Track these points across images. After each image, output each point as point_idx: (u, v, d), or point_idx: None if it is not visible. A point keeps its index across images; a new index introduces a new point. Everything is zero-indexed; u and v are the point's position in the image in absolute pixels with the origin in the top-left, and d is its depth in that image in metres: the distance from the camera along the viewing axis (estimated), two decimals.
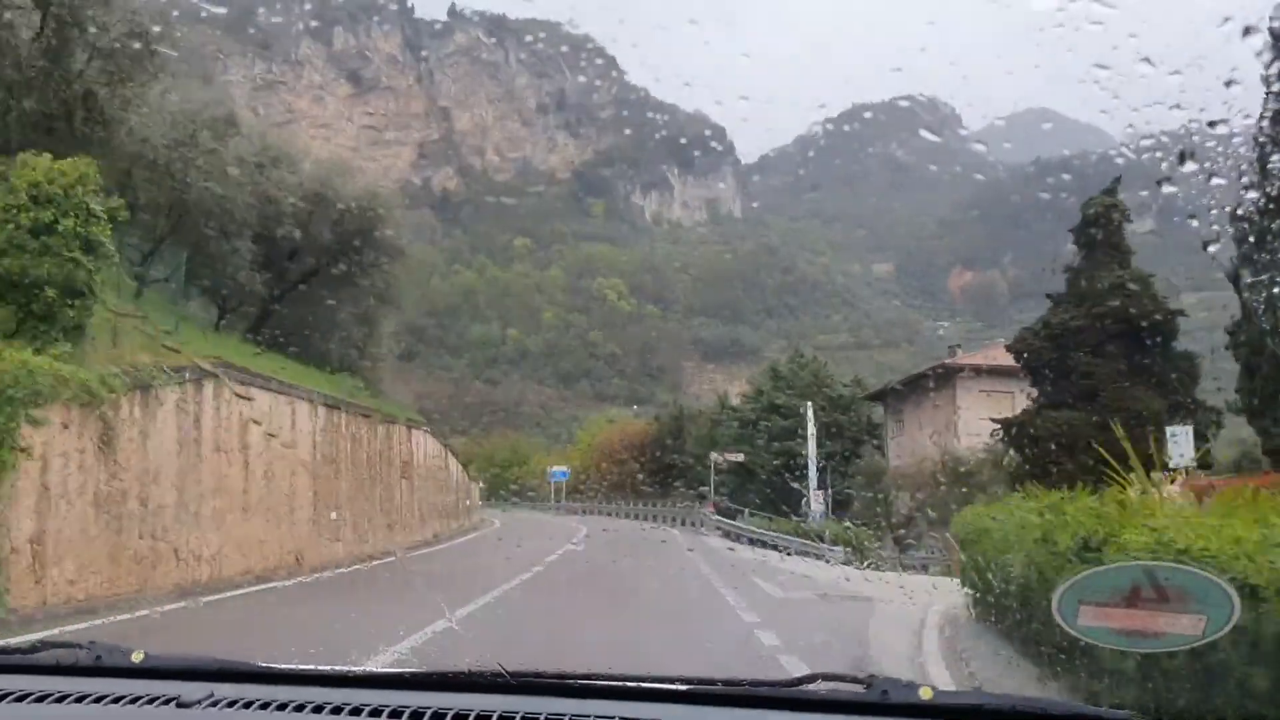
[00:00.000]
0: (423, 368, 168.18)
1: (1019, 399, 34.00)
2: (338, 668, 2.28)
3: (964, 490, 29.04)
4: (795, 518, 32.09)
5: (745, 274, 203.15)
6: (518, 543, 34.90)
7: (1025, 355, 30.07)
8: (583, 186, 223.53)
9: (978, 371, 36.83)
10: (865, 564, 26.35)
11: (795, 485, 35.62)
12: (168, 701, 2.01)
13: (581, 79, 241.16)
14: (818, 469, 34.12)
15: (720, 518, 38.36)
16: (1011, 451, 28.90)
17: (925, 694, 2.01)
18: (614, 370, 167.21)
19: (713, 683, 2.14)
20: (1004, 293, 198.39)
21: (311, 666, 2.29)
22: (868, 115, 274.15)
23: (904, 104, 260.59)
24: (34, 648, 2.42)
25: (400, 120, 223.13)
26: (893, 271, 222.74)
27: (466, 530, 42.25)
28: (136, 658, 2.30)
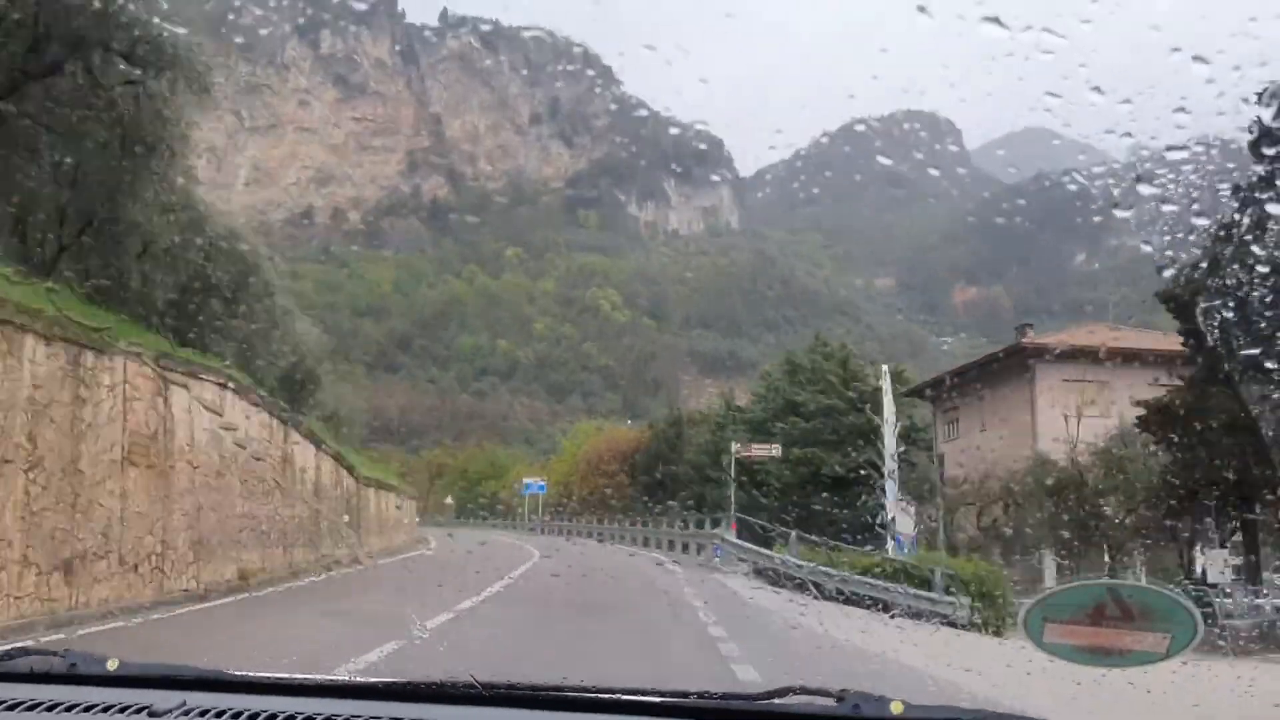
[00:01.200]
0: (408, 379, 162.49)
1: (1117, 391, 26.25)
2: (311, 677, 2.25)
3: (1070, 505, 21.14)
4: (870, 547, 21.69)
5: (743, 286, 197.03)
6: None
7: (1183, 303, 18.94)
8: (576, 196, 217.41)
9: (1059, 356, 28.56)
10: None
11: (865, 498, 27.29)
12: (140, 710, 2.00)
13: (576, 88, 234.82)
14: (892, 478, 24.27)
15: (747, 544, 26.17)
16: (1156, 450, 20.51)
17: (896, 708, 1.99)
18: (607, 383, 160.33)
19: (685, 695, 2.11)
20: (1008, 309, 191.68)
21: (285, 675, 2.26)
22: (865, 129, 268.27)
23: (902, 119, 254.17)
24: (8, 654, 2.36)
25: (389, 126, 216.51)
26: (894, 286, 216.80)
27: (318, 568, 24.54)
28: (111, 665, 2.28)
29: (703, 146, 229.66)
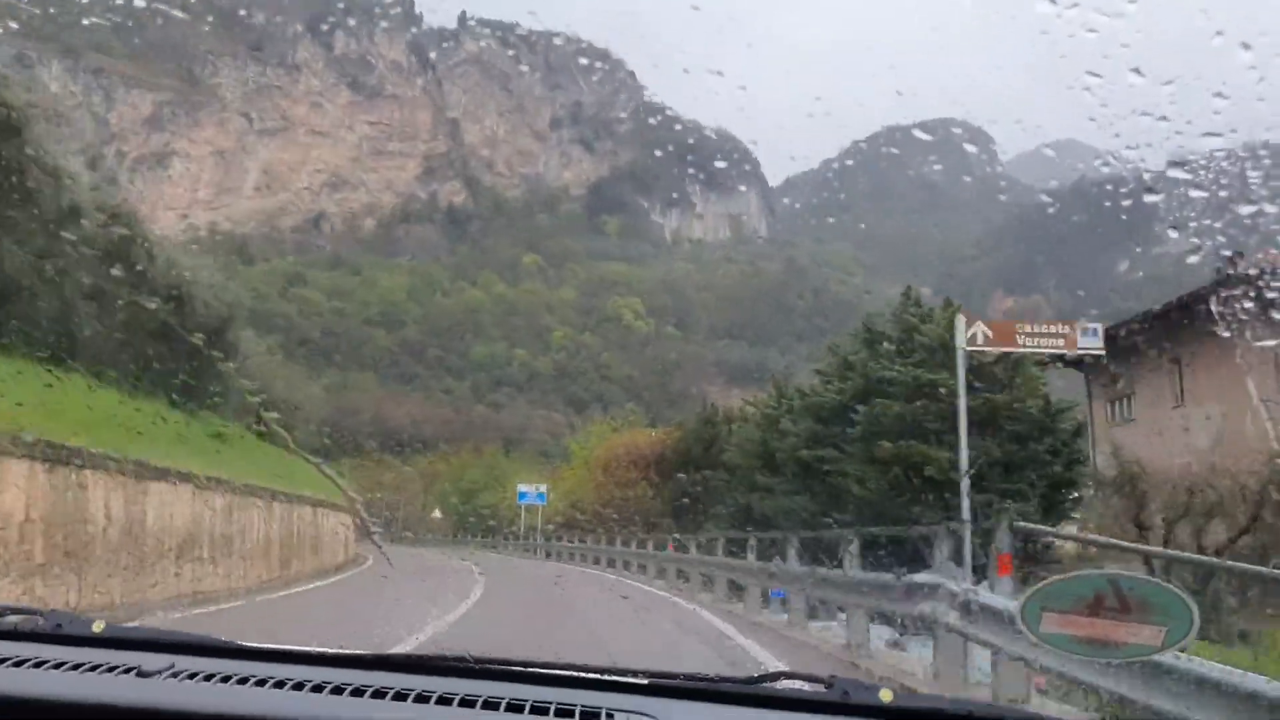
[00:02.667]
0: (421, 390, 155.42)
1: None
2: (300, 647, 2.24)
3: None
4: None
5: (772, 295, 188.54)
6: None
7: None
8: (598, 203, 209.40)
9: None
10: None
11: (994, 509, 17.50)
12: (128, 671, 1.98)
13: (598, 92, 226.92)
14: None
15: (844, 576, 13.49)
16: None
17: (885, 696, 2.03)
18: (629, 394, 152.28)
19: (674, 676, 2.14)
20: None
21: (273, 645, 2.26)
22: (896, 138, 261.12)
23: (934, 127, 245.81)
24: None
25: (405, 131, 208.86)
26: (930, 295, 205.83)
27: None
28: (97, 627, 2.28)
29: (729, 153, 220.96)
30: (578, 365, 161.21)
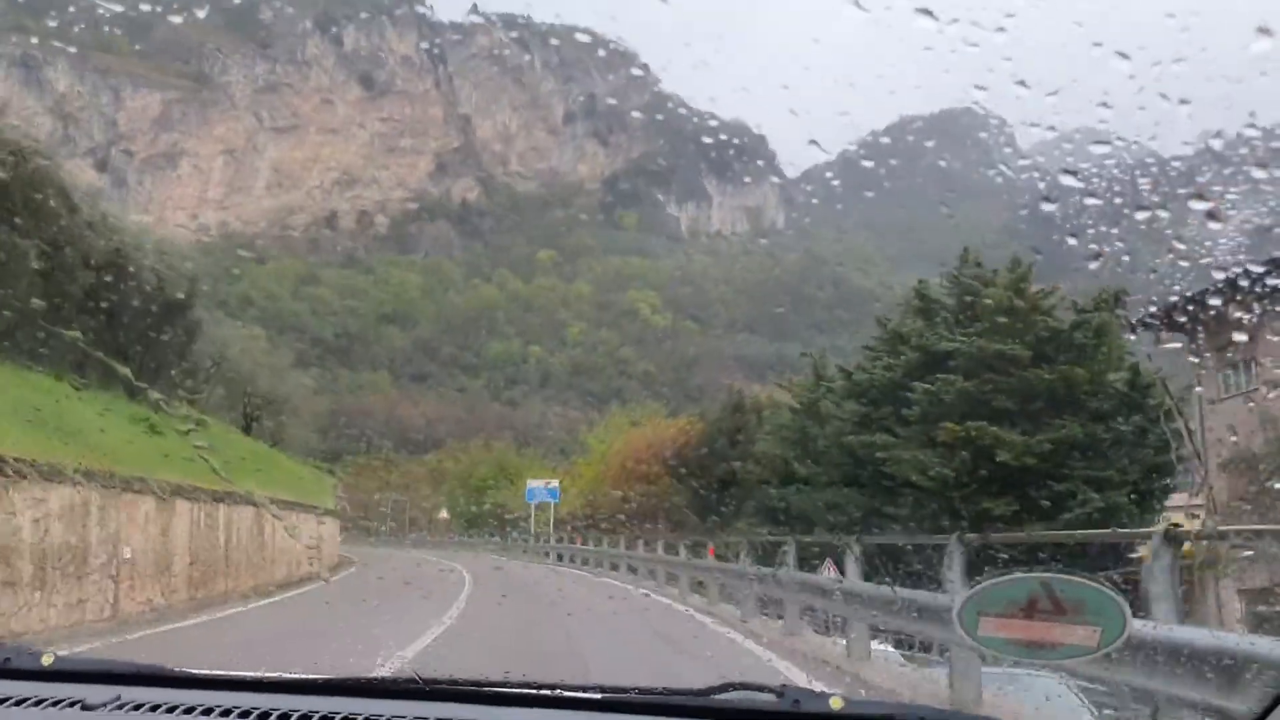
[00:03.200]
0: (435, 388, 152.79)
1: None
2: (249, 673, 2.24)
3: None
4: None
5: (792, 287, 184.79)
6: None
7: None
8: (613, 197, 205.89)
9: None
10: None
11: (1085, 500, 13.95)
12: (73, 704, 1.99)
13: (612, 86, 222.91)
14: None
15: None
16: None
17: (835, 704, 2.04)
18: (648, 389, 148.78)
19: (627, 691, 2.15)
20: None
21: (224, 672, 2.25)
22: (914, 128, 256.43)
23: (952, 115, 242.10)
24: None
25: (417, 127, 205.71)
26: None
27: None
28: (46, 660, 2.26)
29: (746, 145, 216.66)
30: (594, 361, 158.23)
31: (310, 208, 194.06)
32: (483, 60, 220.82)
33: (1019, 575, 2.38)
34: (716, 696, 2.08)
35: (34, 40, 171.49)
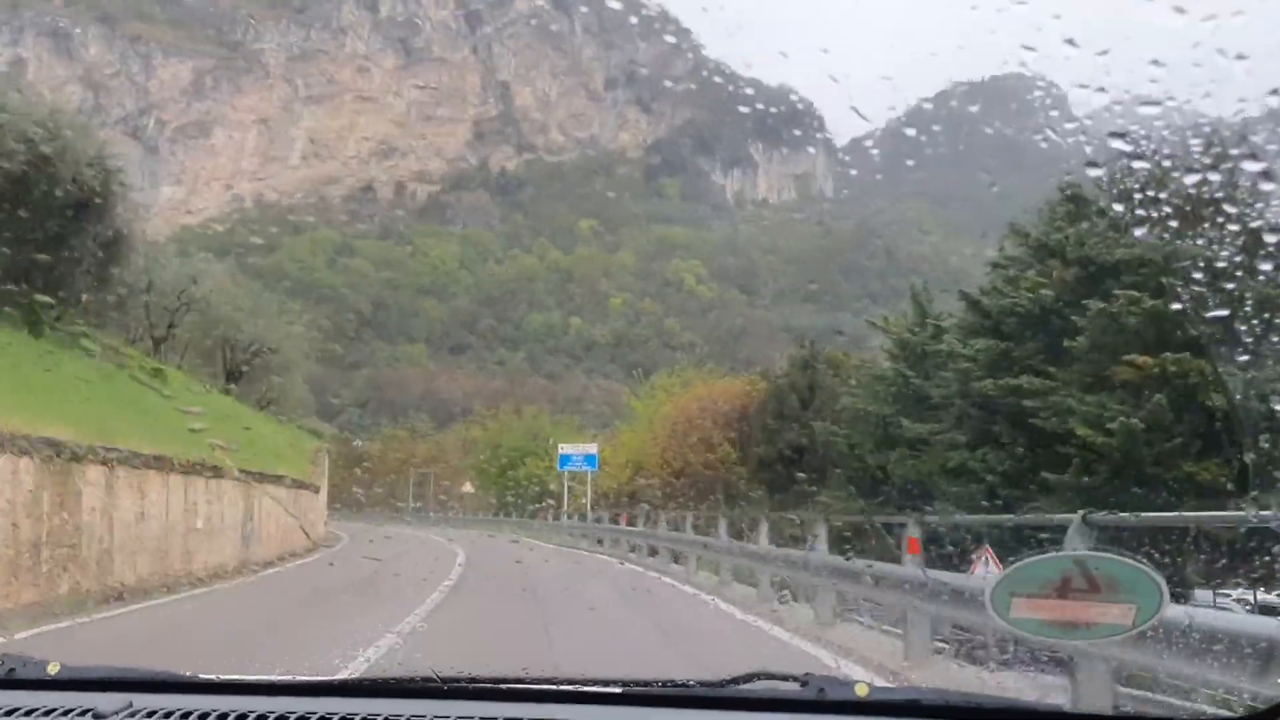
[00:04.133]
0: (474, 361, 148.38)
1: None
2: (262, 677, 2.25)
3: None
4: None
5: (843, 256, 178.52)
6: None
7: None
8: (656, 165, 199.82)
9: None
10: None
11: None
12: (84, 713, 1.96)
13: (654, 51, 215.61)
14: None
15: None
16: None
17: (861, 691, 2.02)
18: (694, 361, 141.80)
19: (649, 684, 2.14)
20: None
21: (236, 676, 2.24)
22: (965, 94, 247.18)
23: (1005, 79, 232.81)
24: None
25: (455, 95, 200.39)
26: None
27: None
28: (52, 669, 2.22)
29: (793, 111, 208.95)
30: (638, 332, 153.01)
31: (346, 178, 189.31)
32: (521, 26, 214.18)
33: (1053, 554, 2.31)
34: (741, 686, 2.05)
35: (64, 7, 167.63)
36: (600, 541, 31.25)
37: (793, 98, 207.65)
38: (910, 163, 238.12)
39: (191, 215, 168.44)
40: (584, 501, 42.47)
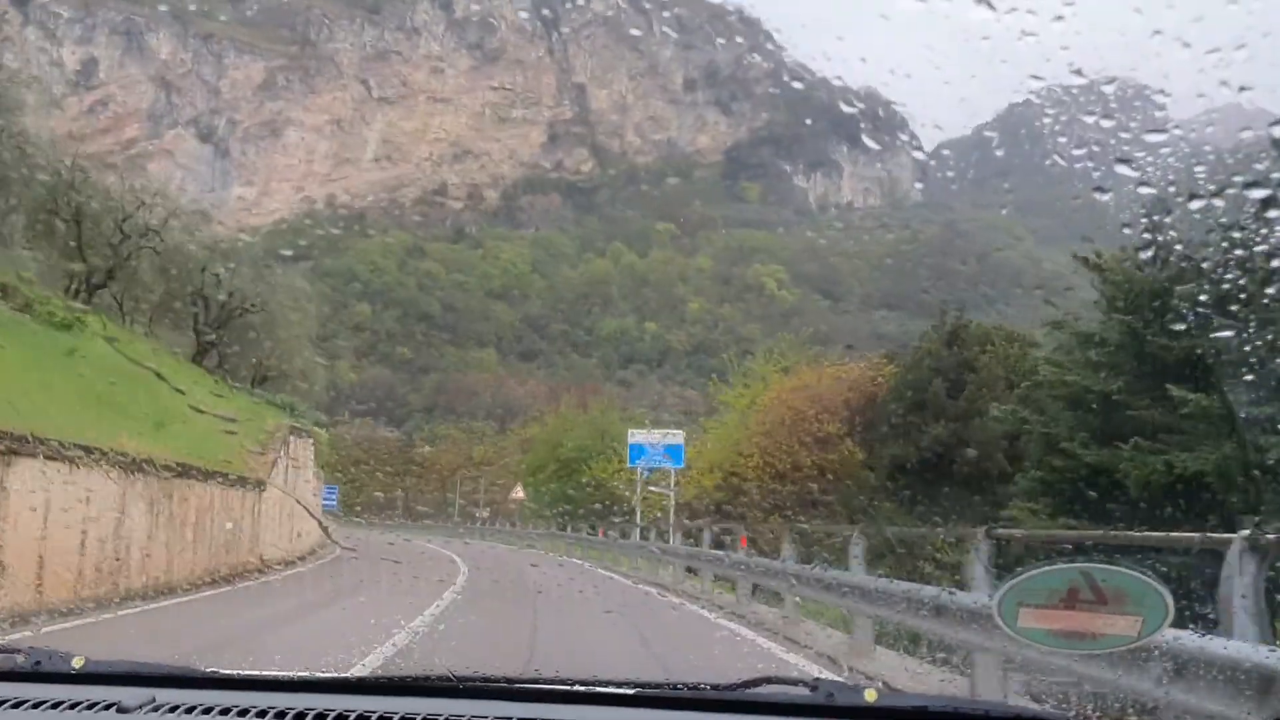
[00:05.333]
0: (545, 366, 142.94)
1: None
2: (282, 673, 2.25)
3: None
4: None
5: (932, 261, 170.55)
6: None
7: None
8: (736, 168, 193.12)
9: None
10: None
11: None
12: (108, 707, 1.99)
13: (733, 52, 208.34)
14: None
15: None
16: None
17: (870, 696, 2.03)
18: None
19: (659, 686, 2.17)
20: None
21: (256, 672, 2.27)
22: (1058, 99, 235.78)
23: (1096, 87, 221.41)
24: None
25: (529, 96, 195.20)
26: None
27: None
28: (77, 663, 2.25)
29: (878, 115, 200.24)
30: (715, 338, 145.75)
31: (419, 180, 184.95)
32: (598, 27, 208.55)
33: (1060, 565, 2.31)
34: (749, 690, 2.06)
35: (136, 6, 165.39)
36: (692, 571, 22.03)
37: (878, 102, 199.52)
38: (1001, 164, 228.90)
39: (261, 217, 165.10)
40: (666, 508, 33.21)
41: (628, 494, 36.73)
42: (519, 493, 49.41)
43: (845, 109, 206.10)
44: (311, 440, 31.28)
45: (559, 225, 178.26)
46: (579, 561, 29.88)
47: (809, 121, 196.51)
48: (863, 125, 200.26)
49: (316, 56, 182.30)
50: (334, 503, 74.16)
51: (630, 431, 37.94)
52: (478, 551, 30.58)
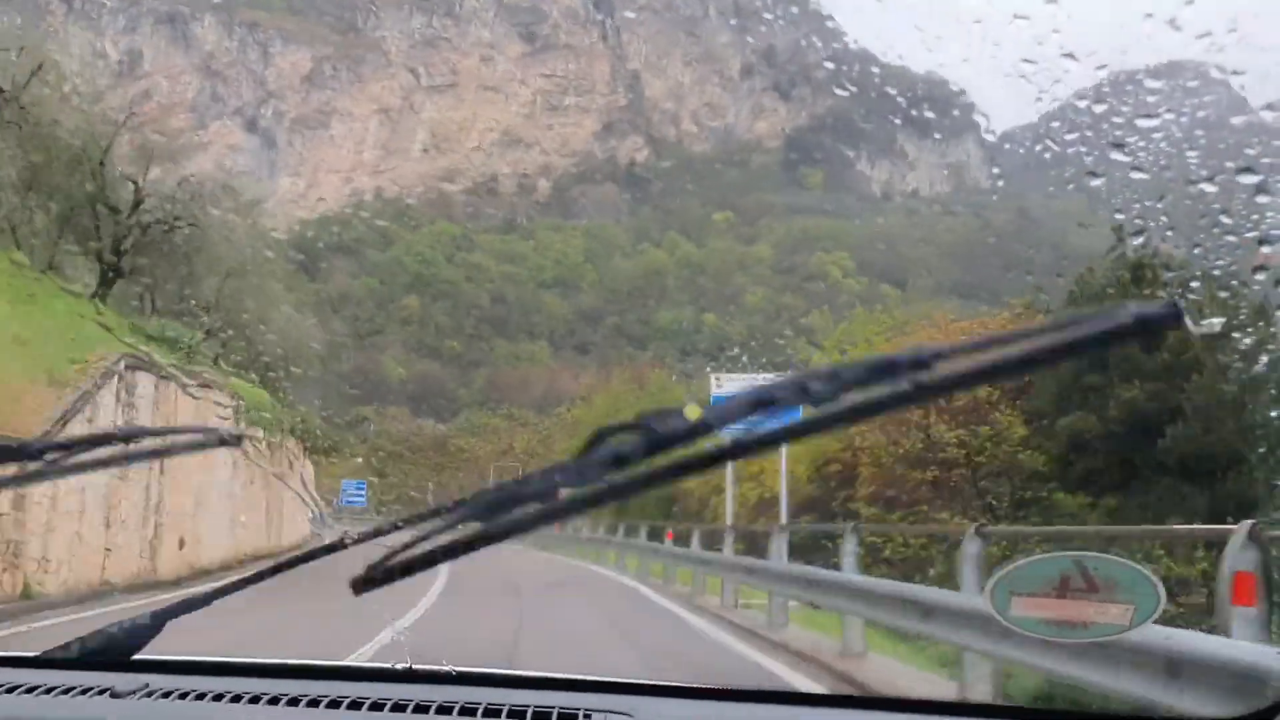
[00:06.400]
0: (598, 360, 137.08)
1: None
2: (274, 660, 2.23)
3: None
4: None
5: (1004, 249, 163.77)
6: None
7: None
8: (796, 155, 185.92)
9: None
10: None
11: None
12: (101, 692, 1.96)
13: (792, 35, 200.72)
14: None
15: None
16: None
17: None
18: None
19: (653, 682, 2.19)
20: None
21: (249, 659, 2.25)
22: (1129, 84, 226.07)
23: (1173, 71, 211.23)
24: None
25: (582, 84, 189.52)
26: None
27: None
28: (74, 649, 2.20)
29: (944, 100, 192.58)
30: (777, 329, 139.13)
31: (469, 171, 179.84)
32: (652, 12, 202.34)
33: (1052, 554, 2.37)
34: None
35: None
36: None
37: (944, 88, 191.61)
38: (1066, 153, 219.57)
39: (308, 209, 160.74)
40: (776, 495, 24.67)
41: (704, 484, 29.41)
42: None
43: (908, 95, 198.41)
44: (237, 405, 24.38)
45: (613, 215, 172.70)
46: (633, 584, 22.32)
47: (871, 108, 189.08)
48: (928, 111, 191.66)
49: (364, 44, 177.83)
50: (363, 499, 68.72)
51: (715, 378, 29.56)
52: (486, 563, 22.97)
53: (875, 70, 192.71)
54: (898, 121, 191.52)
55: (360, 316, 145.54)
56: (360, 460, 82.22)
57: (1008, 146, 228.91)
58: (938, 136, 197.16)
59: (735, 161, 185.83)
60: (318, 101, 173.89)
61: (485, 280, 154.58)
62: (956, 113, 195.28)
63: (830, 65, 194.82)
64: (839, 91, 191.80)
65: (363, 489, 68.86)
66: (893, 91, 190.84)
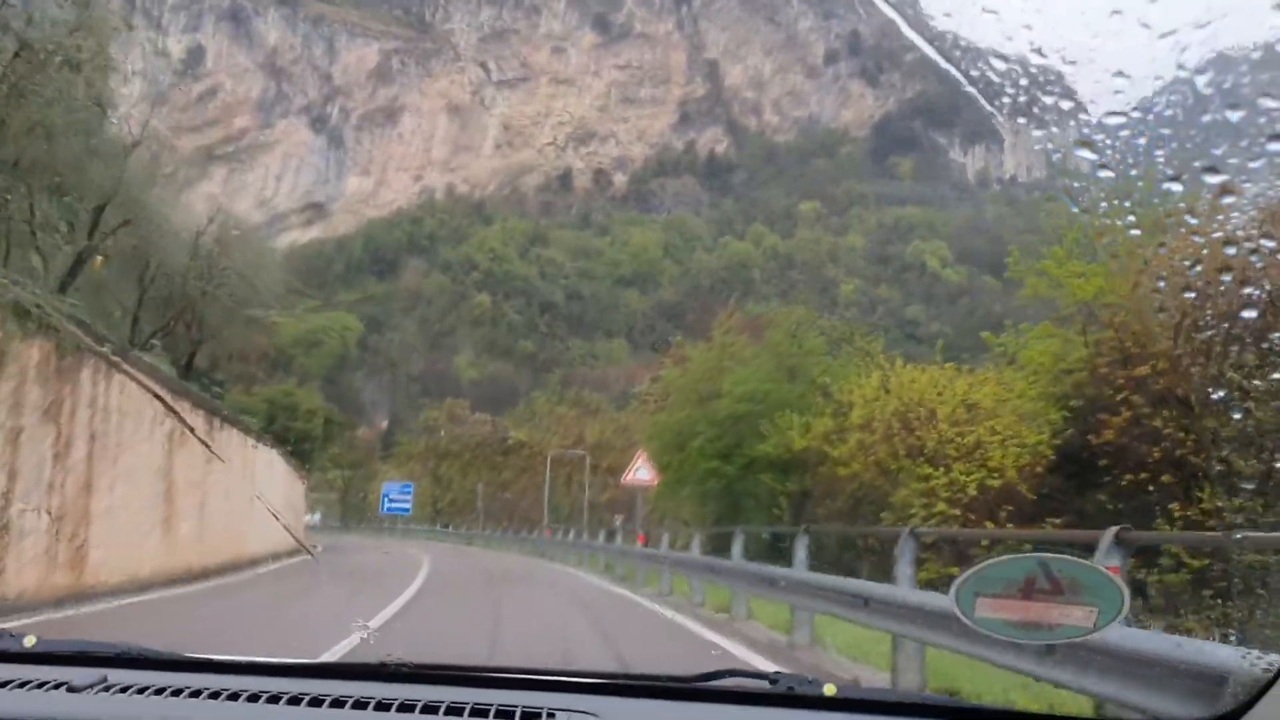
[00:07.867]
0: (675, 358, 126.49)
1: None
2: (235, 657, 2.25)
3: None
4: None
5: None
6: None
7: None
8: (885, 143, 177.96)
9: None
10: None
11: None
12: (58, 686, 1.98)
13: (879, 18, 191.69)
14: None
15: None
16: None
17: (829, 690, 2.09)
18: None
19: (619, 676, 2.21)
20: None
21: (210, 655, 2.27)
22: (1236, 61, 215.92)
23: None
24: None
25: (658, 74, 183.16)
26: None
27: None
28: (29, 642, 2.27)
29: (1041, 82, 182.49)
30: (873, 321, 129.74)
31: (542, 166, 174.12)
32: None
33: (1018, 555, 2.36)
34: (709, 682, 2.08)
35: None
36: None
37: (1039, 73, 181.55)
38: (1175, 137, 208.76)
39: (378, 208, 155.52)
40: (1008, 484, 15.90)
41: (884, 478, 20.75)
42: (641, 473, 27.65)
43: (1002, 79, 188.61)
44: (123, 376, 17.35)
45: (693, 208, 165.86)
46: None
47: (963, 92, 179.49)
48: (1024, 95, 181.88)
49: (432, 38, 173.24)
50: (407, 505, 61.29)
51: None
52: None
53: (968, 53, 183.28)
54: (997, 105, 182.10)
55: (429, 317, 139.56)
56: (412, 460, 75.50)
57: (1115, 122, 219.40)
58: (1032, 123, 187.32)
59: (821, 151, 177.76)
60: (385, 98, 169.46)
61: (559, 277, 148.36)
62: (1053, 96, 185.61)
63: (919, 50, 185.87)
64: (946, 68, 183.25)
65: (408, 492, 61.64)
66: (989, 74, 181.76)
